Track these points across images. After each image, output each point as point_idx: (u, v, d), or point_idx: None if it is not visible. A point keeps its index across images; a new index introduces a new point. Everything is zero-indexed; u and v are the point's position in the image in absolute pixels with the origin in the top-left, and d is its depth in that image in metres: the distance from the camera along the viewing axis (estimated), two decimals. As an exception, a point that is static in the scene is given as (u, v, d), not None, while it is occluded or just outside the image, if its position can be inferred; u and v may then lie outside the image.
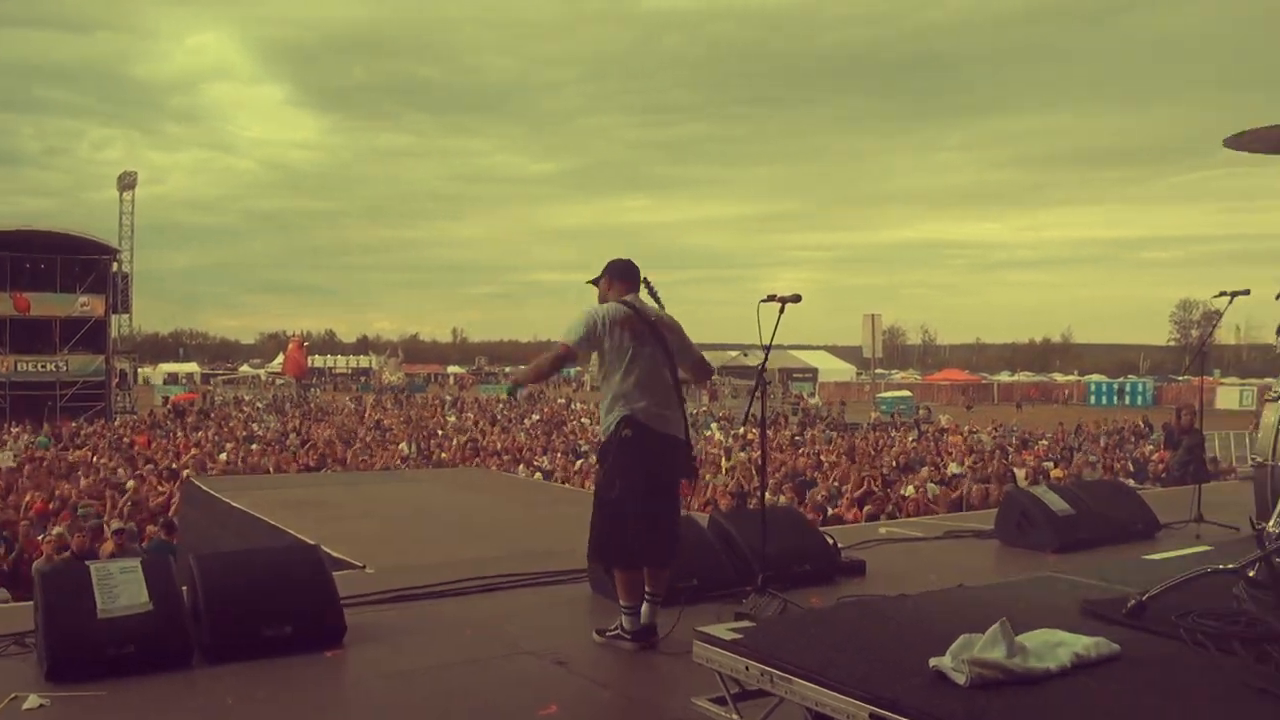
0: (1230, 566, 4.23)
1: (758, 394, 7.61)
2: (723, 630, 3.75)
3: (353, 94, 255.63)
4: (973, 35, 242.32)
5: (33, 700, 5.29)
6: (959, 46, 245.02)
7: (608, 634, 6.43)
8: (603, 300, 6.79)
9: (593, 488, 7.15)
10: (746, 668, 3.49)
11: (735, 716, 3.63)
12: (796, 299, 7.24)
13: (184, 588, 6.24)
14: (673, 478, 6.69)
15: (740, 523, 8.31)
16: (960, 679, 3.12)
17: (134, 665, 5.71)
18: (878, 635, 3.76)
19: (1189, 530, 10.22)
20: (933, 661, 3.22)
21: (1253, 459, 4.80)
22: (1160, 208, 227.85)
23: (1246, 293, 9.78)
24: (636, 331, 6.53)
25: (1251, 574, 4.04)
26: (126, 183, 58.94)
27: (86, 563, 6.86)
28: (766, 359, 7.20)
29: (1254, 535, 4.54)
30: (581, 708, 5.53)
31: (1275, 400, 4.53)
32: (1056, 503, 9.98)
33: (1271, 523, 4.22)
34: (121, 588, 5.94)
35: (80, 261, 52.80)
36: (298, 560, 6.87)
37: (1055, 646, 3.37)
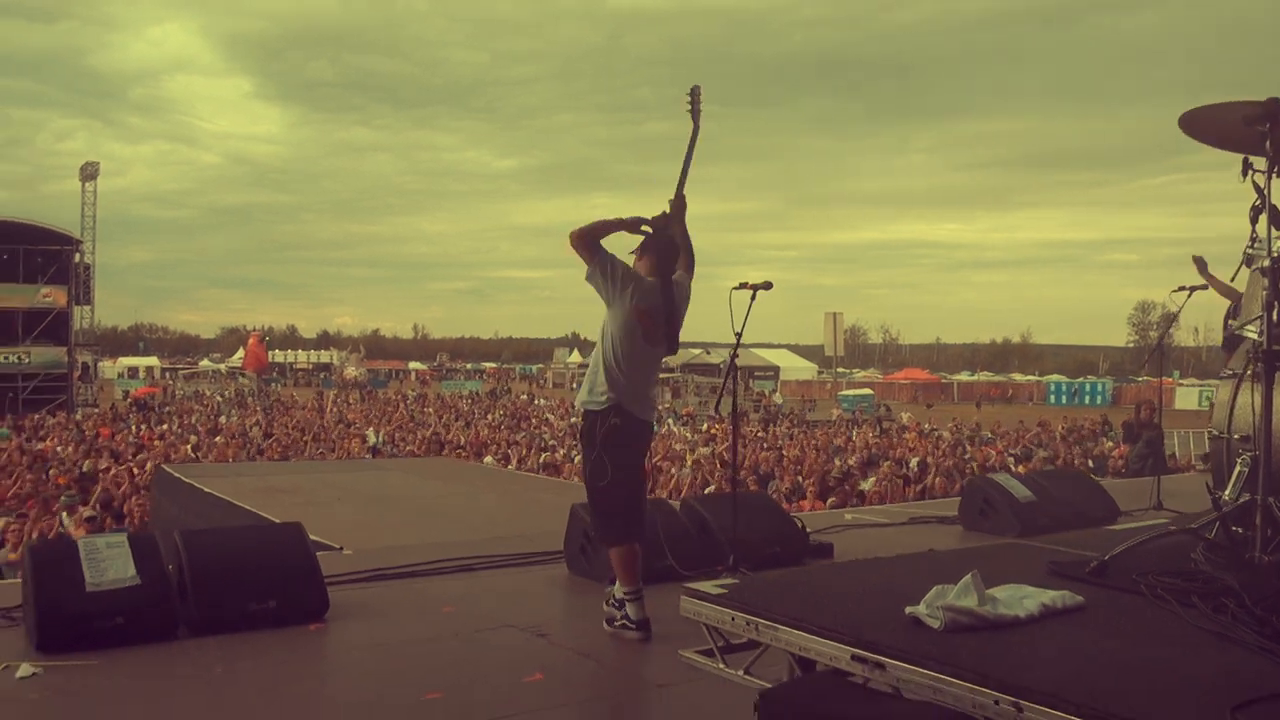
0: (1189, 527, 4.44)
1: (727, 382, 7.77)
2: (709, 586, 3.92)
3: (318, 88, 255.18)
4: (941, 38, 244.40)
5: (25, 669, 5.40)
6: (927, 49, 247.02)
7: (615, 623, 6.40)
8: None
9: (578, 474, 7.20)
10: (733, 618, 3.65)
11: (722, 666, 3.81)
12: (768, 286, 7.42)
13: (170, 566, 6.37)
14: (645, 459, 6.81)
15: (713, 507, 8.47)
16: (935, 624, 3.31)
17: (122, 637, 5.83)
18: (855, 590, 3.95)
19: (1148, 517, 10.47)
20: (909, 609, 3.41)
21: (1209, 432, 5.00)
22: (1122, 211, 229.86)
23: (1204, 287, 10.02)
24: (651, 327, 6.41)
25: (1209, 536, 4.25)
26: (88, 173, 58.49)
27: (75, 538, 6.96)
28: (738, 342, 7.35)
29: (1212, 504, 4.76)
30: (566, 675, 5.68)
31: (1229, 378, 4.74)
32: (1019, 489, 10.19)
33: (1227, 491, 4.42)
34: (109, 562, 6.06)
35: (42, 252, 52.23)
36: (281, 537, 6.99)
37: (1023, 598, 3.56)
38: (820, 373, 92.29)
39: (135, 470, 21.22)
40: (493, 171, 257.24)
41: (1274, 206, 4.29)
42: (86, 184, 58.10)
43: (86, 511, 15.07)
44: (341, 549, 8.74)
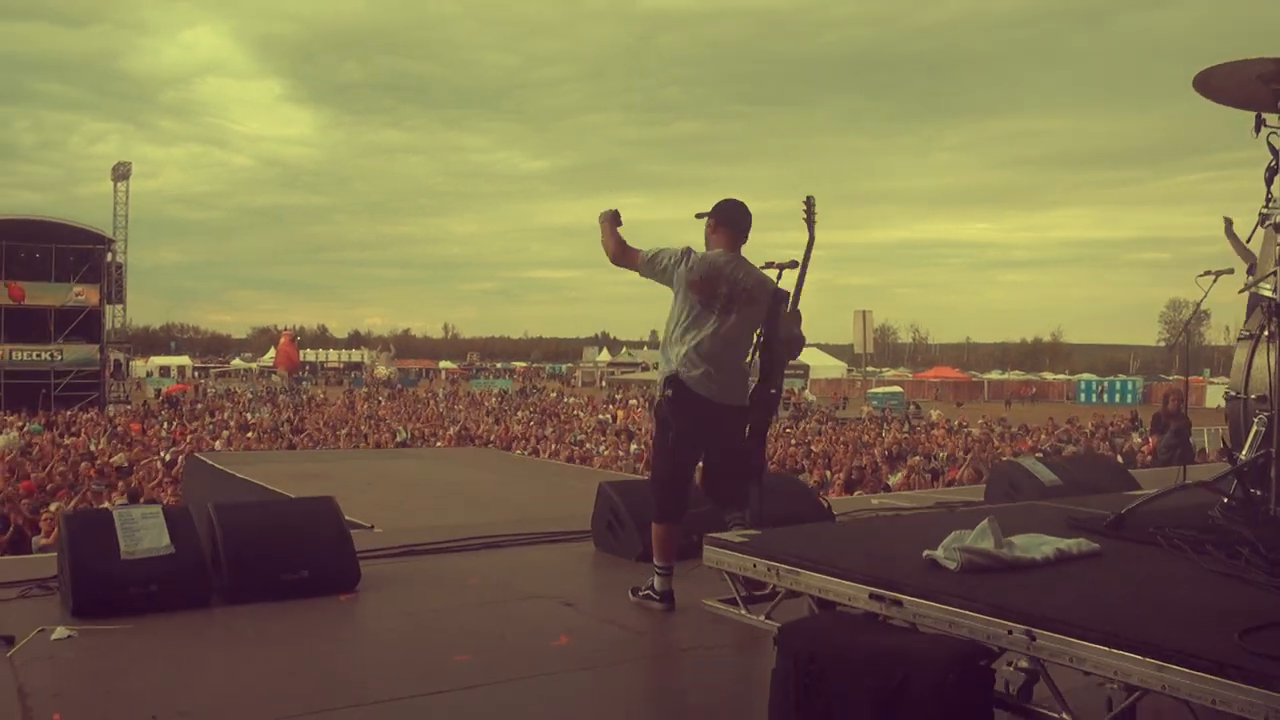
0: (1205, 481, 4.49)
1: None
2: (733, 535, 4.00)
3: (349, 90, 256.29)
4: (971, 37, 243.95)
5: (60, 631, 5.51)
6: (957, 48, 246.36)
7: (640, 593, 6.43)
8: (706, 243, 6.64)
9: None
10: (754, 565, 3.73)
11: (744, 612, 3.88)
12: (794, 264, 7.45)
13: (204, 538, 6.47)
14: (711, 443, 6.53)
15: (739, 486, 8.51)
16: (952, 565, 3.38)
17: (156, 603, 5.94)
18: (875, 538, 4.03)
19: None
20: (926, 552, 3.48)
21: (1226, 393, 5.03)
22: (1153, 209, 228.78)
23: (1230, 271, 10.02)
24: (708, 296, 6.34)
25: (1226, 497, 4.30)
26: (120, 173, 58.74)
27: (110, 509, 7.07)
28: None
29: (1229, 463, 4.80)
30: (591, 639, 5.76)
31: (1246, 339, 4.77)
32: (1044, 473, 10.19)
33: (1245, 451, 4.46)
34: (144, 531, 6.17)
35: (75, 251, 52.58)
36: (314, 511, 7.08)
37: (1040, 544, 3.63)
38: (850, 371, 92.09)
39: (166, 460, 21.43)
40: (522, 172, 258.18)
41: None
42: (119, 184, 58.33)
43: (119, 499, 15.22)
44: (373, 527, 8.83)
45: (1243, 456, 4.45)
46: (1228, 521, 4.09)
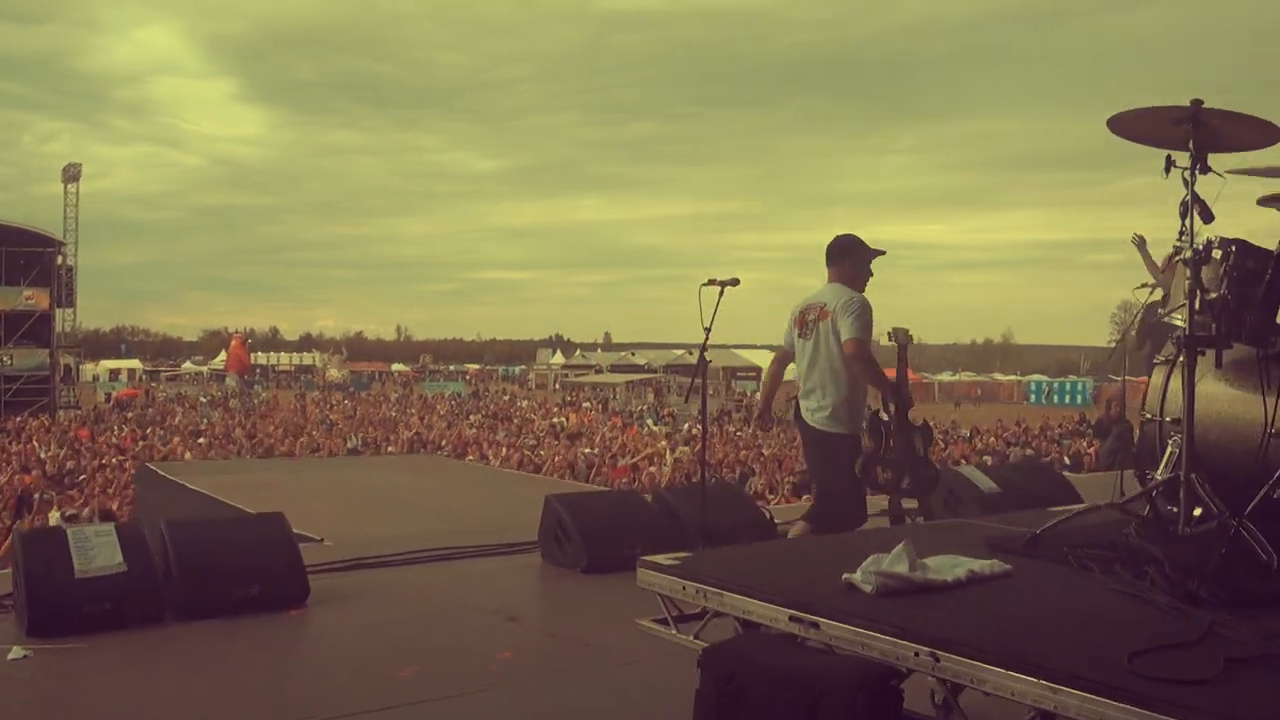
0: (1118, 502, 4.70)
1: (697, 380, 8.07)
2: (664, 558, 4.17)
3: (302, 90, 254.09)
4: (928, 40, 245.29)
5: (16, 651, 5.61)
6: (914, 51, 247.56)
7: None
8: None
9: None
10: (684, 587, 3.92)
11: (674, 633, 4.06)
12: (735, 282, 7.74)
13: (156, 554, 6.59)
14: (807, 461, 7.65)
15: (682, 497, 8.73)
16: (868, 588, 3.57)
17: (110, 621, 6.04)
18: (798, 560, 4.22)
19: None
20: (845, 576, 3.66)
21: (1142, 415, 5.26)
22: (1106, 211, 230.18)
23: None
24: (801, 324, 7.45)
25: (1140, 514, 4.51)
26: (70, 175, 58.33)
27: (64, 528, 7.17)
28: (707, 338, 7.63)
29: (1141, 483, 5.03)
30: (536, 653, 5.94)
31: (1162, 364, 4.99)
32: (983, 481, 10.43)
33: (1159, 470, 4.67)
34: (97, 549, 6.28)
35: (24, 254, 52.01)
36: (263, 527, 7.22)
37: (954, 566, 3.82)
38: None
39: (116, 471, 21.45)
40: (476, 173, 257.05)
41: (1201, 201, 4.54)
42: (69, 186, 57.93)
43: (70, 509, 15.28)
44: (322, 540, 8.93)
45: (1158, 474, 4.66)
46: (1140, 540, 4.28)
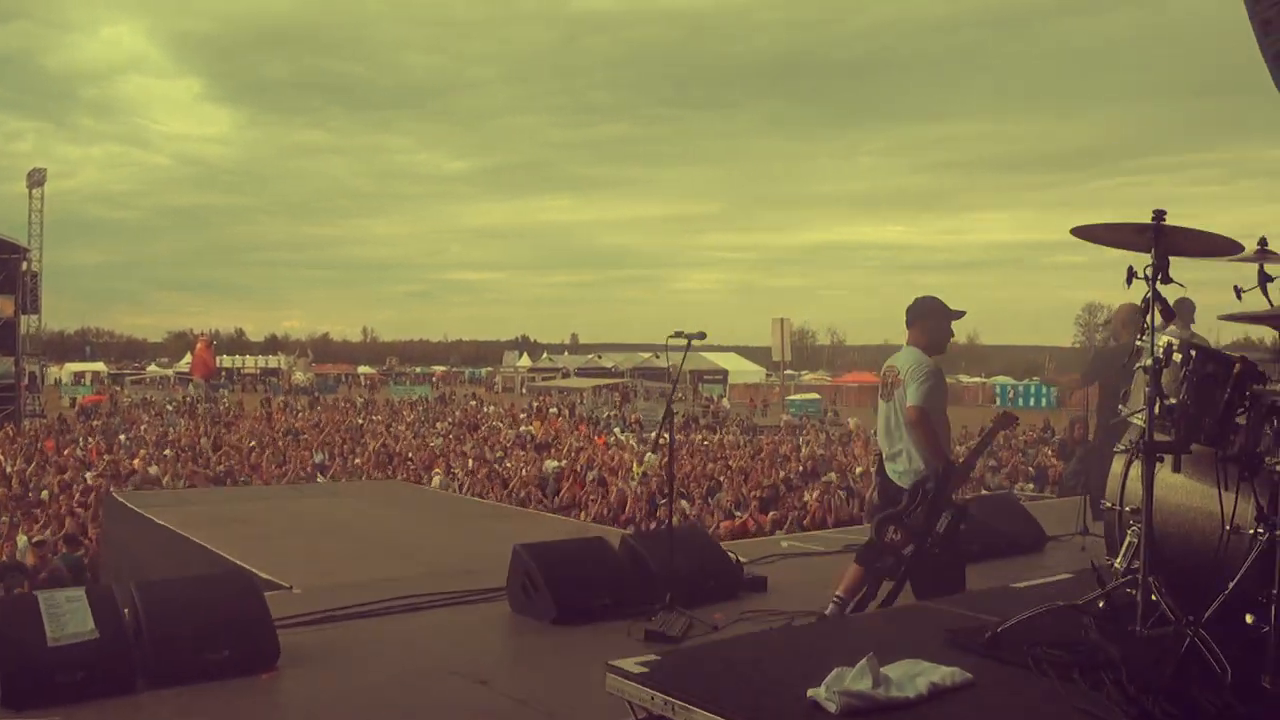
0: (1077, 603, 4.80)
1: (664, 424, 8.15)
2: (631, 664, 4.23)
3: (270, 89, 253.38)
4: (895, 42, 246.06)
5: (-9, 725, 5.65)
6: (882, 53, 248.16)
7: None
8: None
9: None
10: (652, 697, 3.99)
11: (645, 734, 4.13)
12: (702, 336, 7.87)
13: (125, 609, 6.60)
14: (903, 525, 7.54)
15: (649, 543, 8.78)
16: (832, 708, 3.65)
17: (83, 691, 6.03)
18: (766, 667, 4.28)
19: (1074, 543, 10.90)
20: (810, 692, 3.74)
21: (1102, 504, 5.36)
22: (1071, 213, 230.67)
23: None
24: (882, 385, 7.85)
25: (1100, 605, 4.61)
26: (35, 179, 58.06)
27: (35, 593, 7.18)
28: (674, 389, 7.73)
29: (1104, 570, 5.13)
30: (505, 724, 5.99)
31: (1122, 453, 5.10)
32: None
33: (1119, 560, 4.77)
34: (69, 615, 6.29)
35: (-11, 261, 51.90)
36: (232, 587, 7.25)
37: (915, 676, 3.91)
38: (769, 375, 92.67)
39: (82, 490, 21.39)
40: (445, 173, 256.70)
41: (1163, 300, 4.64)
42: (34, 190, 57.65)
43: (37, 536, 15.28)
44: (291, 588, 8.97)
45: (1117, 565, 4.77)
46: (1099, 638, 4.38)
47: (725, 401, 72.25)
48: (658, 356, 76.99)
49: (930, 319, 7.75)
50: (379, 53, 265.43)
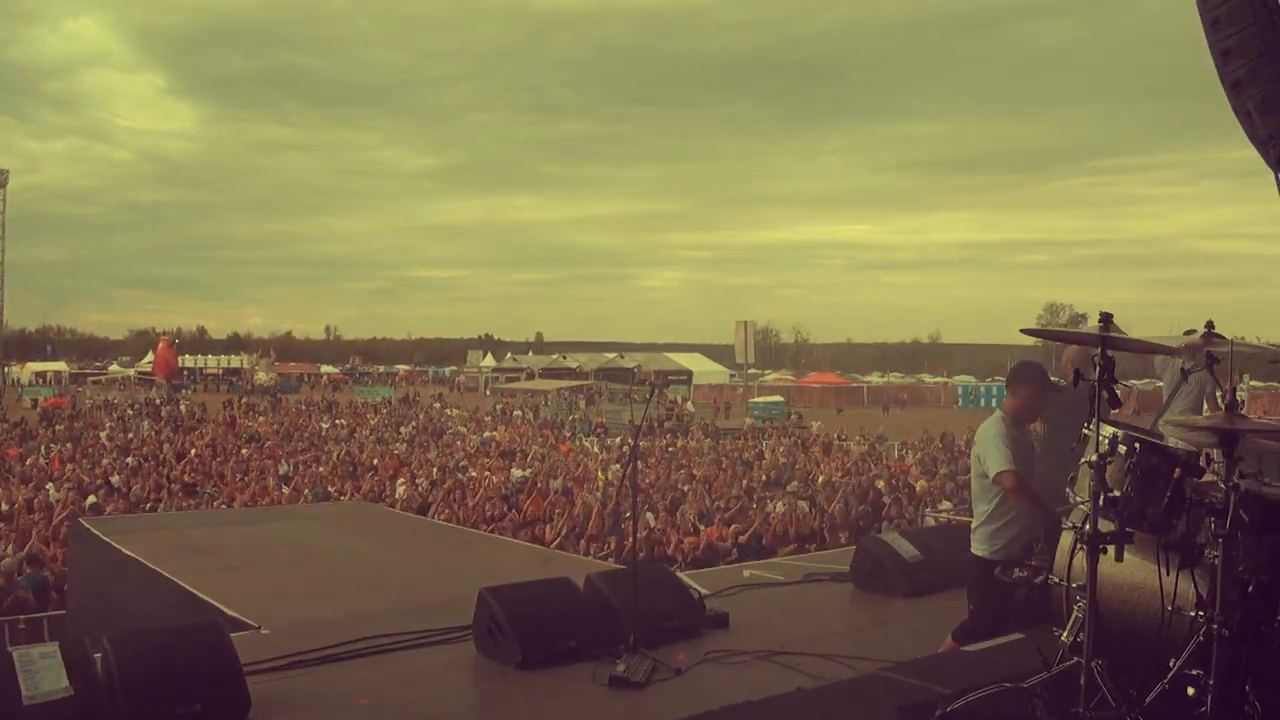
0: (1023, 686, 4.98)
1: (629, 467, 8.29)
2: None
3: (234, 84, 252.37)
4: (859, 42, 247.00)
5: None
6: (845, 54, 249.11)
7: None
8: None
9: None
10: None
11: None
12: (667, 384, 8.03)
13: (97, 655, 6.68)
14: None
15: (613, 584, 8.91)
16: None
17: (57, 750, 6.14)
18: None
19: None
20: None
21: (1050, 579, 5.55)
22: (1034, 213, 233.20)
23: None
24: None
25: (1040, 692, 4.80)
26: (-1, 180, 57.90)
27: (10, 650, 7.26)
28: (636, 445, 7.87)
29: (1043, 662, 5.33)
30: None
31: (1069, 529, 5.27)
32: (907, 549, 10.77)
33: (1065, 633, 4.96)
34: (43, 673, 6.37)
35: (-52, 263, 51.63)
36: (203, 638, 7.32)
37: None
38: (732, 376, 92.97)
39: (45, 508, 21.39)
40: (409, 170, 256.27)
41: (1112, 390, 4.83)
42: (-3, 190, 57.42)
43: (7, 562, 15.38)
44: (260, 628, 9.06)
45: (1064, 638, 4.95)
46: (1045, 710, 4.56)
47: (690, 405, 72.46)
48: (621, 357, 77.23)
49: (1025, 389, 7.66)
50: (342, 49, 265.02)
